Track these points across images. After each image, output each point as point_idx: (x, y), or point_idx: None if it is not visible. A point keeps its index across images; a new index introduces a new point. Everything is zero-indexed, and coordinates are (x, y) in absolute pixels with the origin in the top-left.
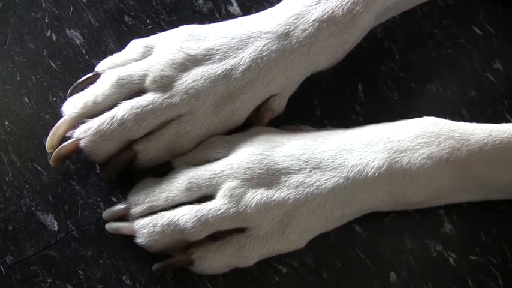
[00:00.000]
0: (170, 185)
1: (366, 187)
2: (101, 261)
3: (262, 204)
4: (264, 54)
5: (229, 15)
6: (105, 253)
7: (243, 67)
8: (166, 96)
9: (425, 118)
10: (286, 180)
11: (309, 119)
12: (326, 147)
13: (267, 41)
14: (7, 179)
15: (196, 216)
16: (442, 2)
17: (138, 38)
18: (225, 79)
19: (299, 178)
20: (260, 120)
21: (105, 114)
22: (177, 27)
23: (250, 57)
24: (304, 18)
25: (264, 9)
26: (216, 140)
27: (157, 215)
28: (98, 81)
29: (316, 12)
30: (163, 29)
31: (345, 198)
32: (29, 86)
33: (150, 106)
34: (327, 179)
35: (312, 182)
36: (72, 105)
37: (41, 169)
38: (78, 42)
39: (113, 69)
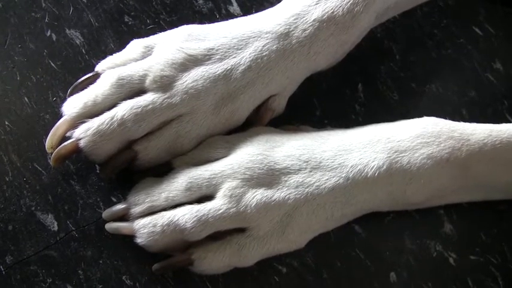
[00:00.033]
0: (170, 185)
1: (366, 187)
2: (100, 261)
3: (262, 204)
4: (264, 54)
5: (229, 15)
6: (105, 253)
7: (243, 67)
8: (166, 96)
9: (425, 118)
10: (286, 180)
11: (309, 119)
12: (326, 147)
13: (267, 41)
14: (7, 179)
15: (196, 216)
16: (442, 2)
17: (138, 38)
18: (225, 79)
19: (299, 178)
20: (260, 120)
21: (105, 114)
22: (177, 27)
23: (250, 57)
24: (304, 18)
25: (264, 9)
26: (216, 140)
27: (157, 215)
28: (98, 81)
29: (316, 12)
30: (163, 29)
31: (345, 198)
32: (29, 86)
33: (150, 106)
34: (327, 179)
35: (312, 182)
36: (72, 105)
37: (41, 169)
38: (78, 42)
39: (113, 69)
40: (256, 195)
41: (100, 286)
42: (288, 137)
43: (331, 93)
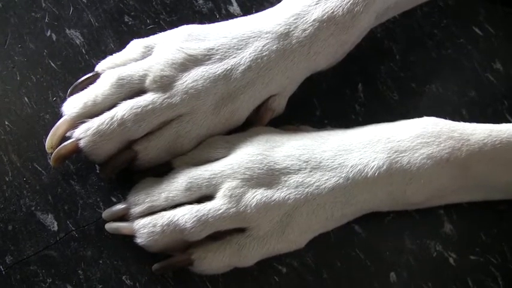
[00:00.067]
0: (170, 185)
1: (366, 187)
2: (100, 261)
3: (262, 204)
4: (264, 54)
5: (229, 15)
6: (105, 253)
7: (243, 67)
8: (166, 96)
9: (425, 118)
10: (286, 180)
11: (309, 119)
12: (326, 147)
13: (267, 41)
14: (7, 179)
15: (196, 216)
16: (442, 2)
17: (138, 38)
18: (225, 79)
19: (299, 178)
20: (260, 120)
21: (105, 114)
22: (177, 27)
23: (250, 57)
24: (304, 18)
25: (264, 9)
26: (216, 140)
27: (157, 215)
28: (98, 81)
29: (316, 12)
30: (163, 29)
31: (345, 198)
32: (29, 86)
33: (150, 106)
34: (327, 179)
35: (312, 182)
36: (72, 105)
37: (40, 169)
38: (78, 42)
39: (112, 69)
40: (256, 195)
41: (100, 286)
42: (288, 137)
43: (331, 93)
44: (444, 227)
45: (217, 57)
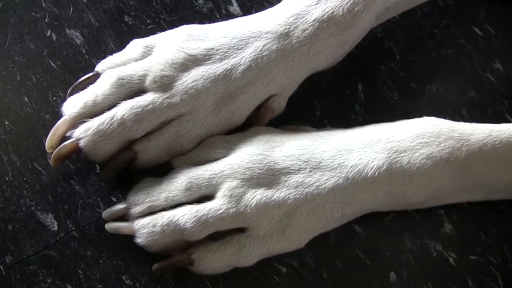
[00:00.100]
0: (170, 185)
1: (366, 187)
2: (100, 261)
3: (262, 204)
4: (264, 54)
5: (229, 15)
6: (105, 253)
7: (243, 67)
8: (166, 96)
9: (425, 118)
10: (286, 180)
11: (309, 119)
12: (326, 147)
13: (267, 41)
14: (7, 179)
15: (196, 216)
16: (442, 2)
17: (138, 38)
18: (225, 79)
19: (299, 178)
20: (260, 120)
21: (105, 114)
22: (177, 27)
23: (250, 57)
24: (304, 18)
25: (264, 9)
26: (216, 140)
27: (157, 215)
28: (98, 81)
29: (316, 12)
30: (163, 29)
31: (345, 198)
32: (29, 86)
33: (150, 106)
34: (327, 179)
35: (312, 182)
36: (72, 105)
37: (40, 169)
38: (78, 42)
39: (113, 69)
40: (256, 195)
41: (100, 286)
42: (288, 137)
43: (331, 93)
44: (444, 227)
45: (217, 57)
